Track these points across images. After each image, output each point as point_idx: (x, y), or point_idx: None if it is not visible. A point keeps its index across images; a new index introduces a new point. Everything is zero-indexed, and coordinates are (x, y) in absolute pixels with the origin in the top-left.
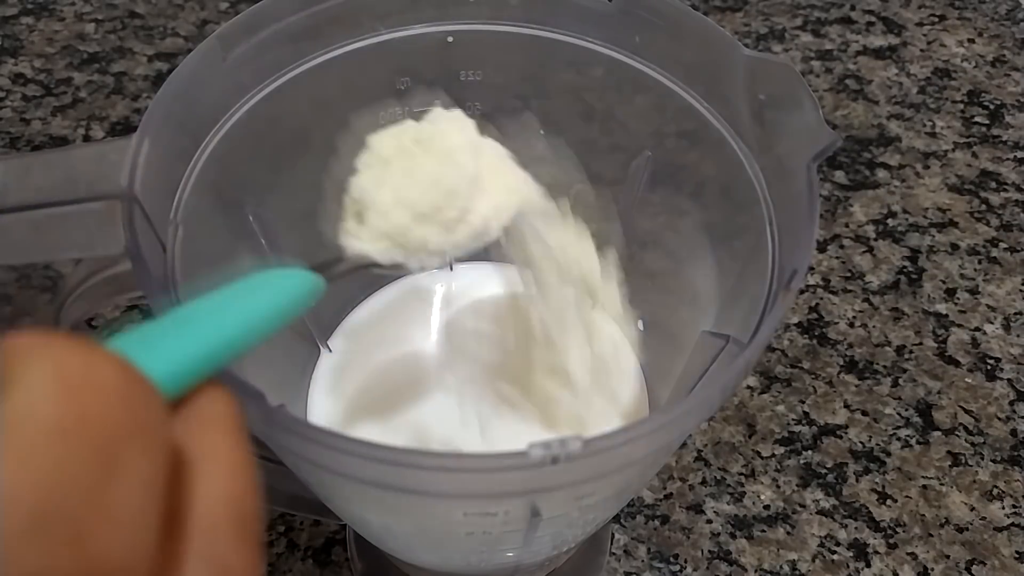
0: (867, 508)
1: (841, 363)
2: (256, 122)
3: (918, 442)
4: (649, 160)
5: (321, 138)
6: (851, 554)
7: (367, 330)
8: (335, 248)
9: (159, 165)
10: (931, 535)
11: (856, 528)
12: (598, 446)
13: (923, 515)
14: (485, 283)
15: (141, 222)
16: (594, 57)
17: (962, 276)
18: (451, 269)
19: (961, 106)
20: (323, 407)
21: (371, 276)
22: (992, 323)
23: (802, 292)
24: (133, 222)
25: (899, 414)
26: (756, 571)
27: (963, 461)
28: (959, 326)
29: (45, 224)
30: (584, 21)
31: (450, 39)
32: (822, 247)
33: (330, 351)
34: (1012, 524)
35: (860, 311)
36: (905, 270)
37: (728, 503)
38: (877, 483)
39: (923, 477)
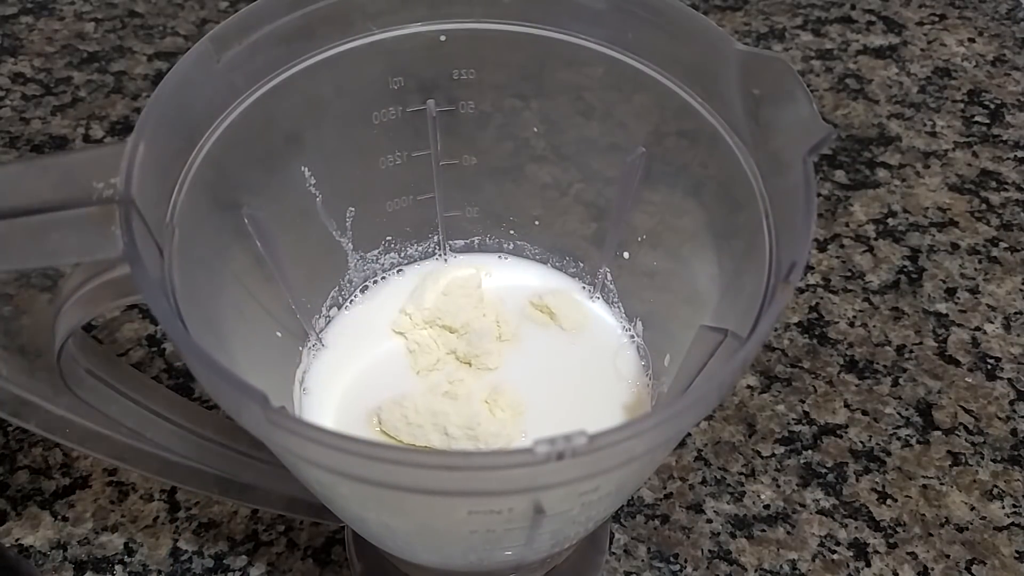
0: (867, 508)
1: (841, 363)
2: (250, 123)
3: (918, 442)
4: (643, 156)
5: (316, 139)
6: (851, 554)
7: (362, 324)
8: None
9: (154, 168)
10: (931, 535)
11: (856, 528)
12: (602, 442)
13: (923, 515)
14: (480, 275)
15: (138, 225)
16: (587, 54)
17: (962, 276)
18: (445, 261)
19: (961, 105)
20: (318, 404)
21: (366, 271)
22: (992, 323)
23: (802, 291)
24: (130, 226)
25: (899, 414)
26: (756, 571)
27: (963, 461)
28: (959, 326)
29: (41, 229)
30: (576, 18)
31: (443, 38)
32: (822, 246)
33: (324, 346)
34: (1012, 524)
35: (860, 311)
36: (905, 270)
37: (728, 503)
38: (877, 483)
39: (923, 477)
